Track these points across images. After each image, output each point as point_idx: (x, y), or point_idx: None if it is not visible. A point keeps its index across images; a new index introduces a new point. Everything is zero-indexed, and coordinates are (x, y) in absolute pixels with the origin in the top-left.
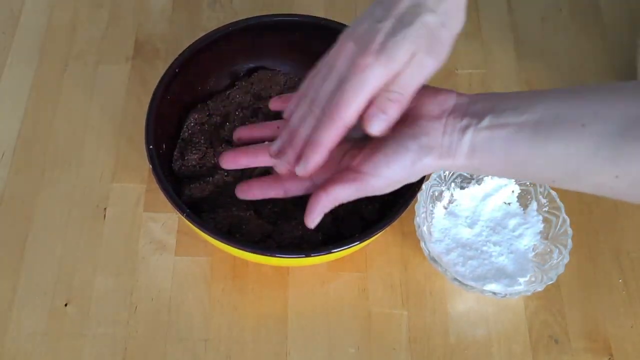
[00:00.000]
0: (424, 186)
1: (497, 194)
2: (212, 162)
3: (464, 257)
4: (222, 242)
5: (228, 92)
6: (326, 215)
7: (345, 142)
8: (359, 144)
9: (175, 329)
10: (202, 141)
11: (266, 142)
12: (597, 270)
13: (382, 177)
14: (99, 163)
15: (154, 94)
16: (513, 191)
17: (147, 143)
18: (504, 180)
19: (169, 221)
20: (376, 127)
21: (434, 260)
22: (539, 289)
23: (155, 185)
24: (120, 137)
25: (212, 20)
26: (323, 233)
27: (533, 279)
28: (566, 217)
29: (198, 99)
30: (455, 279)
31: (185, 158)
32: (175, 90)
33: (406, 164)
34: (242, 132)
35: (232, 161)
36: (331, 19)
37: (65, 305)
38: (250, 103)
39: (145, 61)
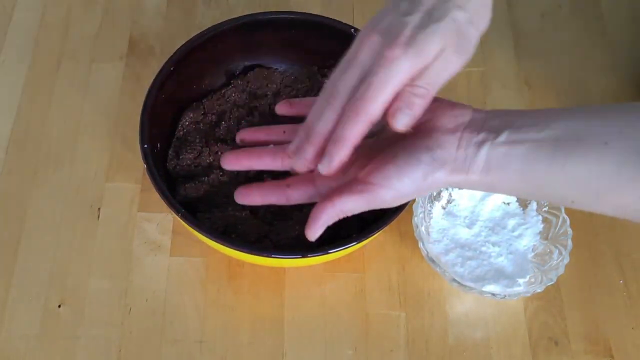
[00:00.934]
0: None
1: (496, 193)
2: (208, 161)
3: (462, 257)
4: (217, 242)
5: (223, 91)
6: None
7: (354, 151)
8: (368, 155)
9: (170, 331)
10: (197, 140)
11: (271, 145)
12: (598, 271)
13: (392, 189)
14: (93, 162)
15: (149, 93)
16: None
17: (142, 142)
18: None
19: (163, 221)
20: (401, 121)
21: (432, 261)
22: (539, 290)
23: (149, 185)
24: (114, 136)
25: (207, 18)
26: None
27: (532, 279)
28: (566, 217)
29: (193, 97)
30: (454, 280)
31: (180, 157)
32: (170, 88)
33: (418, 176)
34: (245, 134)
35: (235, 162)
36: (328, 16)
37: (59, 306)
38: (246, 102)
39: (139, 59)
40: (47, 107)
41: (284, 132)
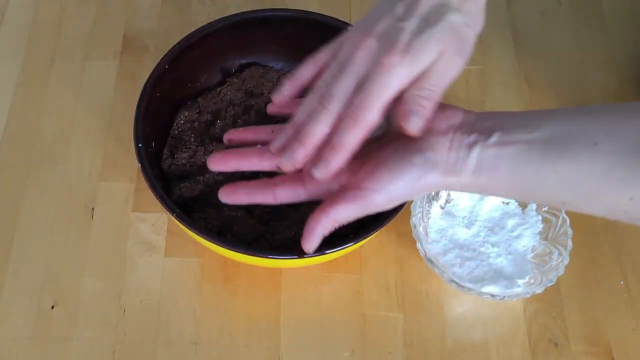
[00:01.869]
0: None
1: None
2: (203, 160)
3: (461, 258)
4: (212, 242)
5: (219, 89)
6: None
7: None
8: (359, 158)
9: (164, 332)
10: (192, 139)
11: (258, 145)
12: (598, 271)
13: (385, 193)
14: (87, 161)
15: (143, 91)
16: None
17: (136, 141)
18: None
19: (158, 221)
20: (415, 124)
21: (431, 262)
22: (538, 291)
23: (144, 185)
24: (108, 135)
25: (202, 15)
26: None
27: (532, 280)
28: (566, 217)
29: (188, 96)
30: (452, 281)
31: (175, 156)
32: (165, 87)
33: (411, 179)
34: (233, 134)
35: (221, 163)
36: (325, 13)
37: (52, 307)
38: (241, 100)
39: (133, 57)
40: (40, 106)
41: (272, 131)
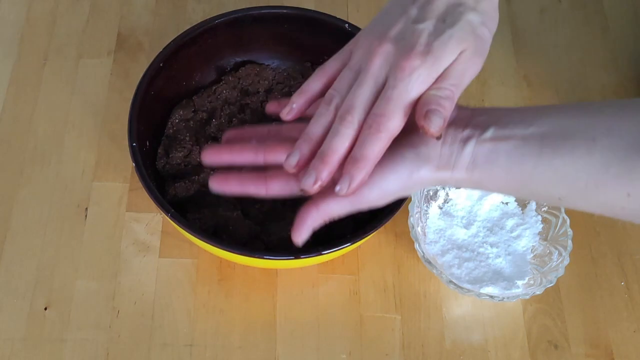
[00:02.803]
0: None
1: (494, 193)
2: (198, 160)
3: (459, 258)
4: (207, 243)
5: (214, 88)
6: None
7: None
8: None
9: (159, 334)
10: (187, 138)
11: (253, 141)
12: (599, 272)
13: (376, 188)
14: (80, 161)
15: (137, 89)
16: None
17: (130, 140)
18: None
19: (152, 221)
20: (437, 125)
21: (429, 262)
22: (538, 292)
23: (138, 184)
24: (102, 133)
25: (197, 13)
26: (313, 234)
27: (532, 281)
28: (566, 217)
29: (183, 94)
30: (451, 282)
31: (170, 156)
32: (160, 85)
33: (403, 174)
34: (232, 134)
35: (216, 156)
36: (321, 10)
37: (45, 309)
38: (237, 99)
39: (128, 55)
40: (34, 104)
41: (269, 131)
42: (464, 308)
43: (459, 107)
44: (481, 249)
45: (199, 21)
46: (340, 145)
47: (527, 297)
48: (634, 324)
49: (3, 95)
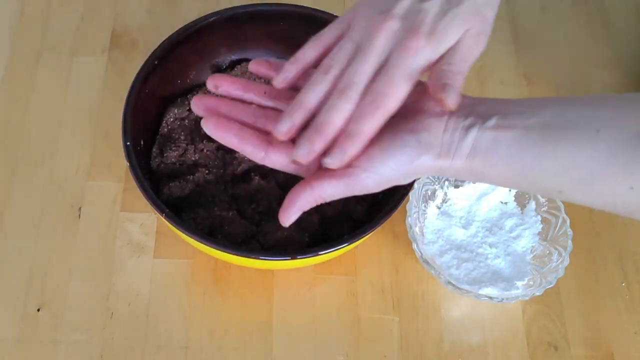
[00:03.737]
0: (416, 185)
1: (493, 192)
2: (193, 159)
3: (458, 259)
4: (203, 243)
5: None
6: (313, 215)
7: None
8: None
9: (153, 336)
10: (182, 137)
11: (253, 105)
12: (599, 273)
13: (375, 173)
14: (74, 160)
15: (132, 88)
16: (510, 190)
17: (125, 139)
18: None
19: (147, 221)
20: (454, 98)
21: (427, 263)
22: (538, 293)
23: (132, 184)
24: (96, 132)
25: (192, 10)
26: (310, 234)
27: (531, 282)
28: (566, 217)
29: (178, 92)
30: (449, 283)
31: (165, 155)
32: (154, 83)
33: (403, 160)
34: (220, 82)
35: (215, 130)
36: (318, 8)
37: (38, 310)
38: None
39: (122, 53)
40: (27, 103)
41: (265, 92)
42: (463, 309)
43: (461, 95)
44: (480, 250)
45: (194, 18)
46: (338, 119)
47: (527, 298)
48: (634, 325)
49: None
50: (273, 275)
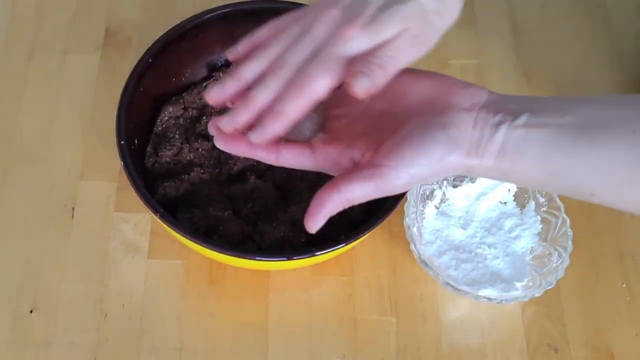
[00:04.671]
0: None
1: (492, 192)
2: (188, 158)
3: (456, 260)
4: (198, 243)
5: (205, 84)
6: None
7: (359, 121)
8: (375, 133)
9: (148, 338)
10: (176, 136)
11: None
12: (599, 274)
13: (405, 172)
14: (67, 159)
15: (126, 86)
16: (509, 190)
17: (118, 138)
18: None
19: (141, 222)
20: (362, 85)
21: (425, 264)
22: (537, 294)
23: (126, 184)
24: (89, 131)
25: (187, 7)
26: (306, 234)
27: (531, 283)
28: (566, 217)
29: (173, 91)
30: (448, 284)
31: (159, 154)
32: (149, 81)
33: (433, 157)
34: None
35: (230, 145)
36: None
37: (31, 311)
38: None
39: (116, 51)
40: (19, 101)
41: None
42: (462, 311)
43: (489, 92)
44: (479, 250)
45: (189, 16)
46: (263, 95)
47: (526, 299)
48: (635, 326)
49: None
50: (269, 276)
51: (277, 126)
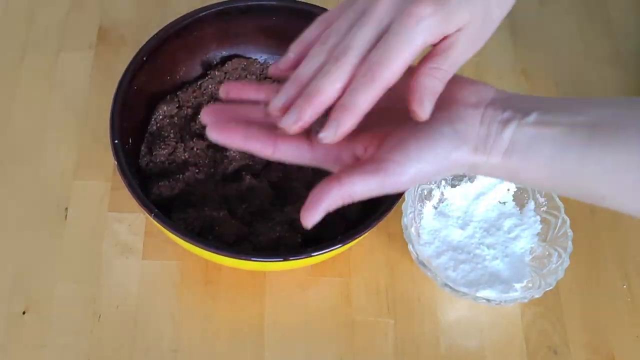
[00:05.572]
0: None
1: (491, 192)
2: (183, 157)
3: (455, 260)
4: (193, 244)
5: (200, 82)
6: None
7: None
8: (380, 126)
9: (142, 339)
10: (171, 135)
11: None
12: (600, 275)
13: (411, 167)
14: (60, 159)
15: (120, 85)
16: (509, 189)
17: (112, 137)
18: None
19: (135, 222)
20: (427, 111)
21: (423, 264)
22: (537, 296)
23: (120, 183)
24: (83, 130)
25: (182, 5)
26: (302, 235)
27: (530, 284)
28: (566, 217)
29: (167, 89)
30: (446, 285)
31: (154, 154)
32: (143, 80)
33: (440, 153)
34: (231, 87)
35: (224, 135)
36: (312, 2)
37: (23, 313)
38: None
39: (110, 49)
40: (11, 100)
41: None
42: (460, 312)
43: (496, 89)
44: (477, 251)
45: (183, 13)
46: (329, 86)
47: (526, 300)
48: (636, 328)
49: None
50: (265, 277)
51: (351, 121)
